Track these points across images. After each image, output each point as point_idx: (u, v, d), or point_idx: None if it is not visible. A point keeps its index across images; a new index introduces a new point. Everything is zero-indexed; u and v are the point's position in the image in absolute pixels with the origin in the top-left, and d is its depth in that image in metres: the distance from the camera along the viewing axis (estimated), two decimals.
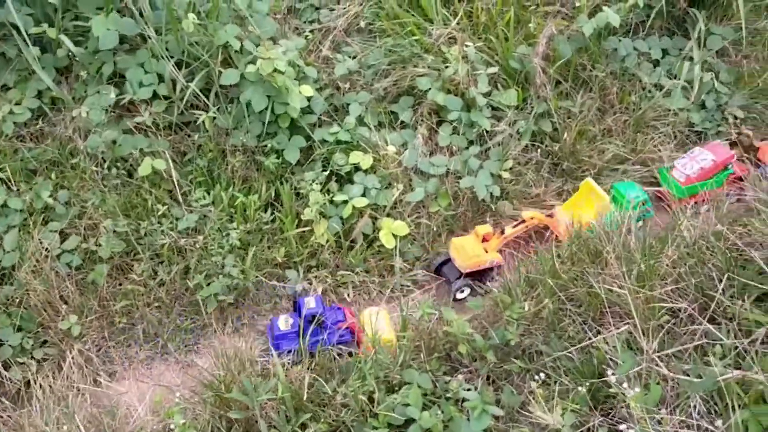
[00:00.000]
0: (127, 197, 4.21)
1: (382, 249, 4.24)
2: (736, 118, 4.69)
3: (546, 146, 4.66)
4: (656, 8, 4.91)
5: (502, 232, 4.22)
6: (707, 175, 4.36)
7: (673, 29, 5.25)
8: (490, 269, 4.08)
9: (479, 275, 4.10)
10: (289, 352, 3.63)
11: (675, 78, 4.91)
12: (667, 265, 3.43)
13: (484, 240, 4.18)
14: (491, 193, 4.39)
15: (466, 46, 4.61)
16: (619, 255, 3.61)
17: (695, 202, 4.00)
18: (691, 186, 4.33)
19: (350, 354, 3.58)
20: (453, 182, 4.44)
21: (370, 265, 4.23)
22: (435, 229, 4.34)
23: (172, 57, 4.34)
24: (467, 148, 4.57)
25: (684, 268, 3.45)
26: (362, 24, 5.04)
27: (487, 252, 4.12)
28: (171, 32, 4.34)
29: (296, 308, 3.84)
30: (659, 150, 4.58)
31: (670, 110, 4.76)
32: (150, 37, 4.27)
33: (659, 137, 4.66)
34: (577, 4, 4.81)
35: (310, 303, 3.67)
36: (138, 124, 4.32)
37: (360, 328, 3.78)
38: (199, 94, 4.33)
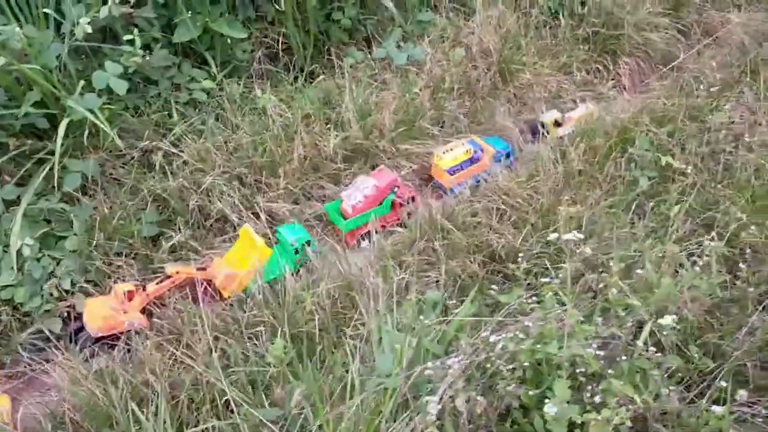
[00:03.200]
0: None
1: None
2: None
3: None
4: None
5: (145, 289, 3.62)
6: (373, 202, 4.20)
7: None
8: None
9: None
10: None
11: None
12: None
13: (130, 299, 3.58)
14: None
15: None
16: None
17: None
18: (357, 217, 4.16)
19: None
20: None
21: None
22: None
23: None
24: None
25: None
26: None
27: (126, 312, 3.55)
28: None
29: None
30: None
31: None
32: None
33: None
34: None
35: None
36: None
37: None
38: None
